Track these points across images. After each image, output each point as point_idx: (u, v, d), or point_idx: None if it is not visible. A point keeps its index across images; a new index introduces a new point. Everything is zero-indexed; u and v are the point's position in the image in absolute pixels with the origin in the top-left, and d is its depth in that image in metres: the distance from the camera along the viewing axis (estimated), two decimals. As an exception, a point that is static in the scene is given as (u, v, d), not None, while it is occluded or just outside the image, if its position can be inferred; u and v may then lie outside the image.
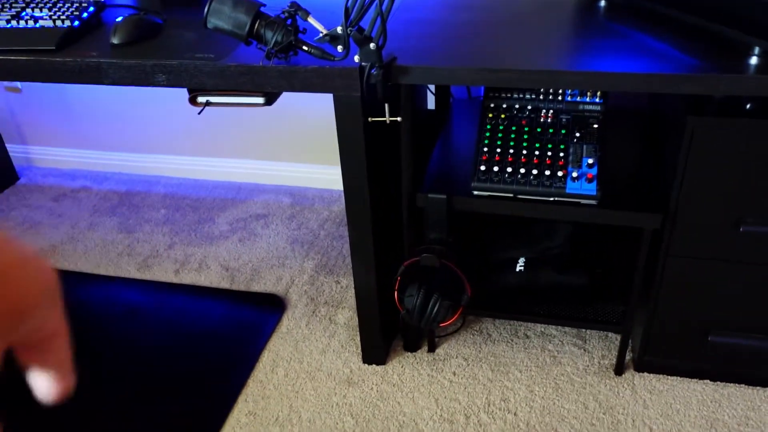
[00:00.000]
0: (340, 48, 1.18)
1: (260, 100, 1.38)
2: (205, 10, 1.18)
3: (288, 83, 1.26)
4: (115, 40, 1.37)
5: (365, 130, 1.30)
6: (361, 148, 1.32)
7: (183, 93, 2.28)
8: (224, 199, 2.33)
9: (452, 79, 1.21)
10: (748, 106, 1.22)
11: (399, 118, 1.30)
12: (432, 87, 1.84)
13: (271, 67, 1.24)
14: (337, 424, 1.50)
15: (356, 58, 1.20)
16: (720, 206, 1.30)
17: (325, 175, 2.32)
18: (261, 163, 2.37)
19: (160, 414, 1.54)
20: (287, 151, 2.32)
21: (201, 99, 1.41)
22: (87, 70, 1.33)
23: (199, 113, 1.42)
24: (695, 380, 1.55)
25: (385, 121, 1.31)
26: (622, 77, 1.15)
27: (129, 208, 2.32)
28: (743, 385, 1.53)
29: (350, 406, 1.54)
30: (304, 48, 1.21)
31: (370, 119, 1.31)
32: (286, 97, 2.18)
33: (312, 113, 2.21)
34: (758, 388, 1.52)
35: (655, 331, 1.50)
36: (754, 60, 1.15)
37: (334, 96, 1.28)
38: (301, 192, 2.35)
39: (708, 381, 1.54)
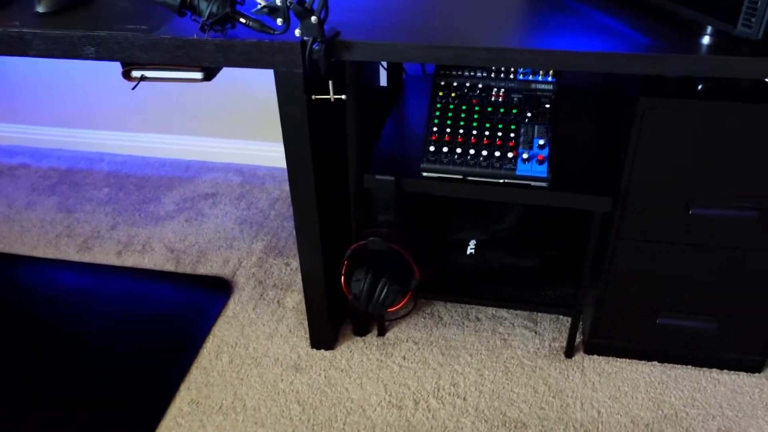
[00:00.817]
0: (279, 21, 1.11)
1: (198, 75, 1.31)
2: (134, -23, 1.10)
3: (225, 57, 1.19)
4: (40, 9, 1.28)
5: (308, 108, 1.24)
6: (305, 126, 1.26)
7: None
8: (171, 178, 2.25)
9: (398, 56, 1.16)
10: (699, 87, 1.20)
11: (344, 96, 1.24)
12: (384, 62, 1.78)
13: (207, 41, 1.17)
14: (283, 411, 1.46)
15: (297, 32, 1.13)
16: (671, 189, 1.28)
17: (277, 153, 2.25)
18: (210, 141, 2.29)
19: (97, 403, 1.48)
20: (237, 127, 2.24)
21: (135, 73, 1.33)
22: (9, 40, 1.24)
23: (133, 88, 1.34)
24: (643, 362, 1.55)
25: (330, 99, 1.25)
26: (574, 56, 1.11)
27: (70, 186, 2.22)
28: (690, 367, 1.53)
29: (297, 392, 1.50)
30: (242, 20, 1.14)
31: (313, 97, 1.25)
32: (234, 71, 2.09)
33: (262, 88, 2.13)
34: (704, 369, 1.53)
35: (605, 313, 1.49)
36: (706, 39, 1.13)
37: (275, 72, 1.21)
38: (251, 170, 2.27)
39: (656, 363, 1.54)
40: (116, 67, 2.17)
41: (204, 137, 2.29)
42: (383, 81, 1.90)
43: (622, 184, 1.30)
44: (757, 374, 1.51)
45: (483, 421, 1.43)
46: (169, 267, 1.87)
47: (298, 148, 1.29)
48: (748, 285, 1.37)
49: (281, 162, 2.26)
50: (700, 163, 1.24)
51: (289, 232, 1.98)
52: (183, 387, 1.52)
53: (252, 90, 2.14)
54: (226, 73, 2.10)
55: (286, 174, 2.24)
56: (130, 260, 1.90)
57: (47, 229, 2.02)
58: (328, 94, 1.24)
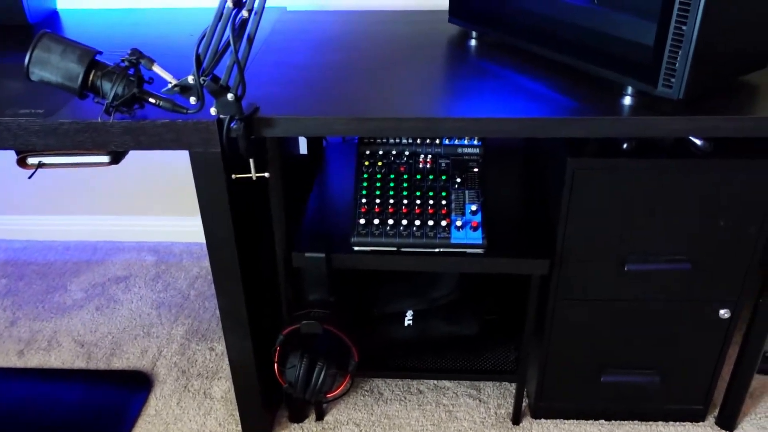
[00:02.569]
0: (193, 100, 1.04)
1: (104, 159, 1.20)
2: (26, 59, 1.00)
3: (135, 141, 1.09)
4: None
5: (229, 189, 1.16)
6: (226, 208, 1.17)
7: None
8: (78, 262, 2.08)
9: (323, 130, 1.10)
10: (624, 145, 1.20)
11: (267, 174, 1.17)
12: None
13: (114, 123, 1.08)
14: None
15: (213, 111, 1.06)
16: (605, 246, 1.27)
17: (193, 227, 2.13)
18: (119, 219, 2.14)
19: None
20: (148, 203, 2.11)
21: (32, 160, 1.21)
22: None
23: (29, 177, 1.22)
24: (590, 421, 1.51)
25: (251, 177, 1.17)
26: (502, 123, 1.09)
27: (-39, 280, 2.01)
28: (636, 422, 1.51)
29: (232, 495, 1.37)
30: (151, 100, 1.05)
31: (234, 176, 1.17)
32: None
33: (172, 160, 2.02)
34: (650, 423, 1.51)
35: (549, 375, 1.45)
36: (627, 100, 1.13)
37: (190, 153, 1.13)
38: (166, 248, 2.14)
39: (603, 421, 1.51)
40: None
41: (112, 216, 2.14)
42: (303, 149, 1.84)
43: (557, 246, 1.28)
44: (701, 423, 1.50)
45: (436, 505, 1.34)
46: (80, 364, 1.70)
47: (220, 230, 1.20)
48: (686, 335, 1.37)
49: (198, 237, 2.14)
50: (631, 219, 1.24)
51: (212, 312, 1.86)
52: (101, 503, 1.35)
53: (162, 163, 2.03)
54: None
55: (204, 249, 2.12)
56: (33, 360, 1.71)
57: (-65, 331, 1.81)
58: (250, 173, 1.16)
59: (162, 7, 1.70)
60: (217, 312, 1.83)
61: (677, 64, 1.05)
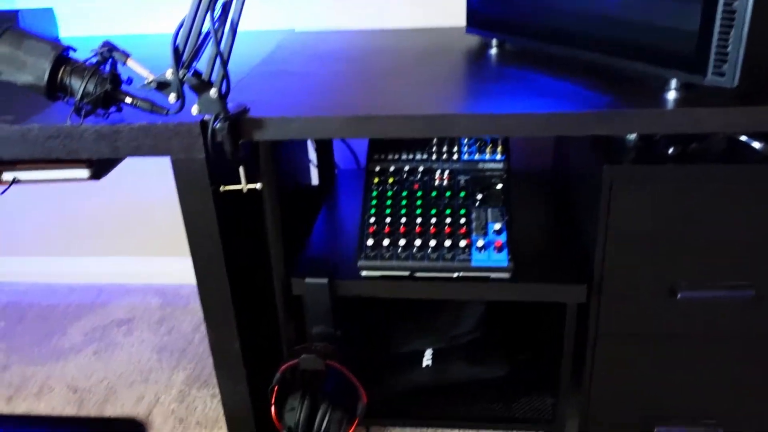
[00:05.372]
0: (172, 97, 0.92)
1: (83, 172, 1.08)
2: (-12, 54, 0.90)
3: (110, 147, 0.98)
4: None
5: (216, 202, 1.03)
6: (213, 223, 1.03)
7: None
8: (80, 305, 1.96)
9: (318, 131, 0.97)
10: (670, 150, 1.04)
11: (258, 185, 1.04)
12: (314, 158, 1.60)
13: (86, 128, 0.96)
14: None
15: (194, 110, 0.94)
16: (652, 270, 1.09)
17: (203, 268, 2.00)
18: (126, 260, 2.03)
19: None
20: (156, 243, 1.99)
21: (6, 176, 1.10)
22: None
23: (2, 193, 1.11)
24: (643, 482, 1.29)
25: (242, 189, 1.04)
26: (525, 119, 0.94)
27: (-41, 323, 1.90)
28: (698, 483, 1.28)
29: None
30: (127, 100, 0.94)
31: (222, 188, 1.04)
32: (148, 179, 1.88)
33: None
34: (714, 484, 1.28)
35: (592, 425, 1.25)
36: (671, 95, 0.98)
37: (172, 161, 1.00)
38: (173, 290, 2.01)
39: (658, 481, 1.29)
40: (13, 187, 1.94)
41: (118, 256, 2.03)
42: (314, 180, 1.71)
43: (595, 270, 1.10)
44: (775, 485, 1.27)
45: None
46: (70, 410, 1.55)
47: (207, 250, 1.06)
48: (753, 378, 1.17)
49: (209, 278, 2.01)
50: (681, 238, 1.06)
51: (217, 357, 1.70)
52: None
53: (171, 200, 1.92)
54: (140, 182, 1.89)
55: (214, 291, 1.98)
56: (21, 406, 1.57)
57: (-77, 376, 1.69)
58: (240, 184, 1.03)
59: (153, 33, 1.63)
60: (222, 356, 1.67)
61: (729, 47, 0.90)
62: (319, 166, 1.58)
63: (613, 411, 1.22)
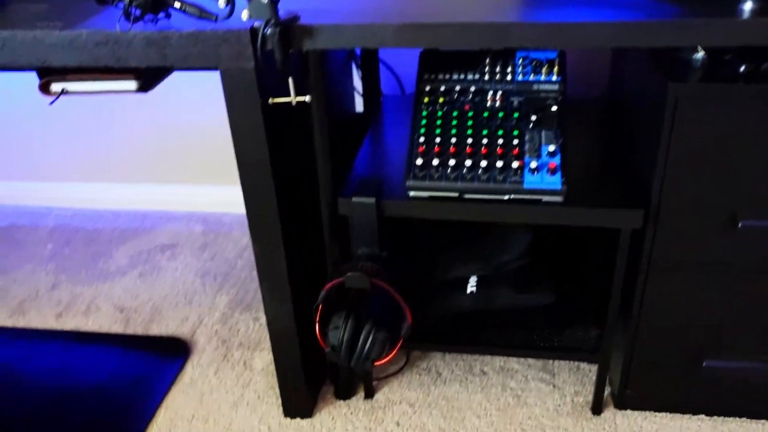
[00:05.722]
0: (222, 2, 0.89)
1: (132, 84, 1.07)
2: (36, -48, 0.88)
3: (159, 54, 0.96)
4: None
5: (265, 115, 1.01)
6: (261, 136, 1.02)
7: (77, 107, 1.96)
8: (125, 230, 1.99)
9: (370, 40, 0.93)
10: (742, 68, 0.98)
11: (307, 98, 1.01)
12: (359, 86, 1.56)
13: (134, 33, 0.94)
14: (248, 500, 1.17)
15: (244, 16, 0.91)
16: (713, 197, 1.04)
17: (245, 197, 2.00)
18: (171, 188, 2.04)
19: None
20: (201, 172, 2.00)
21: (55, 87, 1.09)
22: None
23: (50, 104, 1.10)
24: (688, 416, 1.28)
25: (291, 102, 1.01)
26: (591, 28, 0.89)
27: (9, 244, 1.95)
28: (745, 419, 1.26)
29: (266, 475, 1.21)
30: (176, 5, 0.92)
31: (271, 100, 1.01)
32: (196, 107, 1.87)
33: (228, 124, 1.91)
34: (763, 421, 1.26)
35: (638, 358, 1.23)
36: (748, 5, 0.91)
37: (221, 72, 0.98)
38: (216, 219, 2.02)
39: (703, 416, 1.27)
40: (63, 112, 1.95)
41: (164, 184, 2.04)
42: (359, 107, 1.68)
43: (653, 195, 1.06)
44: (826, 424, 1.24)
45: (500, 500, 1.14)
46: (117, 328, 1.59)
47: (254, 163, 1.05)
48: (812, 313, 1.13)
49: (250, 207, 2.01)
50: (748, 163, 1.01)
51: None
52: (124, 475, 1.22)
53: (218, 128, 1.91)
54: (188, 109, 1.88)
55: (256, 220, 1.98)
56: (70, 323, 1.62)
57: (-23, 292, 1.74)
58: (289, 97, 1.01)
59: None
60: (264, 282, 1.69)
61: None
62: (365, 93, 1.54)
63: (661, 343, 1.20)
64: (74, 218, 2.06)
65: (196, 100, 1.86)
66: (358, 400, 1.36)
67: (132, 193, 2.07)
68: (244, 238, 1.92)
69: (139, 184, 2.06)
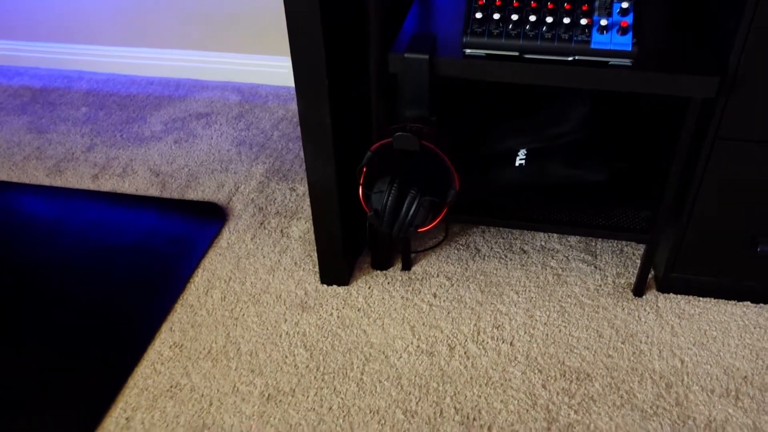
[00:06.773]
0: None
1: None
2: None
3: None
4: None
5: (316, -48, 0.93)
6: (311, -23, 0.94)
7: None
8: (159, 97, 1.94)
9: None
10: None
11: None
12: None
13: None
14: (285, 357, 1.18)
15: None
16: (798, 66, 0.96)
17: (282, 68, 1.94)
18: (204, 55, 1.98)
19: (66, 344, 1.20)
20: (236, 39, 1.92)
21: None
22: None
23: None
24: (733, 302, 1.25)
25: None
26: None
27: (43, 106, 1.92)
28: (793, 308, 1.23)
29: (303, 335, 1.22)
30: None
31: (323, -64, 0.93)
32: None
33: (263, -10, 1.81)
34: (810, 311, 1.23)
35: (689, 240, 1.19)
36: None
37: None
38: (251, 89, 1.96)
39: (749, 303, 1.24)
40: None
41: (197, 51, 1.98)
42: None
43: (731, 63, 0.98)
44: None
45: (536, 370, 1.14)
46: (153, 192, 1.58)
47: (303, 15, 0.98)
48: None
49: (287, 80, 1.95)
50: (843, 28, 0.92)
51: (296, 154, 1.68)
52: (164, 328, 1.24)
53: (252, -9, 1.82)
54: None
55: (292, 93, 1.93)
56: (107, 184, 1.61)
57: (13, 150, 1.73)
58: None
59: None
60: (301, 154, 1.65)
61: None
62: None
63: (717, 226, 1.15)
64: (107, 83, 2.02)
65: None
66: (395, 271, 1.34)
67: (166, 60, 2.01)
68: (280, 110, 1.86)
69: (173, 49, 1.99)
